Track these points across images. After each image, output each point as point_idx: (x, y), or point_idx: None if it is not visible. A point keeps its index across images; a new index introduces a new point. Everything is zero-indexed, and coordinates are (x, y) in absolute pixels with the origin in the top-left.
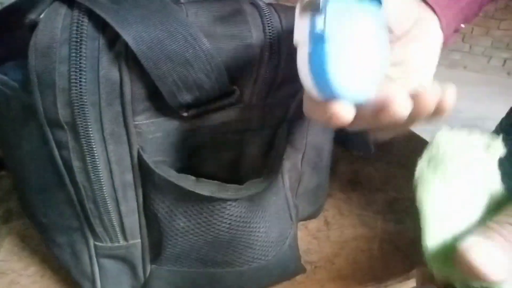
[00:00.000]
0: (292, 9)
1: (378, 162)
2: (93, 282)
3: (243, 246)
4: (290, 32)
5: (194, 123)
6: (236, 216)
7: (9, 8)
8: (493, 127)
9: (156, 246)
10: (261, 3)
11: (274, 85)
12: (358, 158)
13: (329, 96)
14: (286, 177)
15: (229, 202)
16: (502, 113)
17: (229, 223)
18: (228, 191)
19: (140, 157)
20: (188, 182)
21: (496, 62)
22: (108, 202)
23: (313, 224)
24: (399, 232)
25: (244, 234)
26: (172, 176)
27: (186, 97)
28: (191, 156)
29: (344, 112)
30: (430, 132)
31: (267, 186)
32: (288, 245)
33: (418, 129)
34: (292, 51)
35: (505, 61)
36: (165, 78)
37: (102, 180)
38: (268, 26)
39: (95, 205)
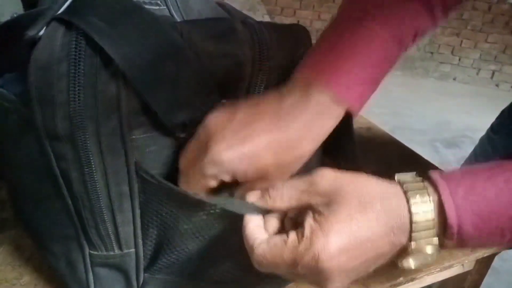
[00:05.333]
0: (282, 26)
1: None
2: None
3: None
4: (280, 47)
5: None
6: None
7: (8, 23)
8: None
9: (151, 255)
10: (252, 22)
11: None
12: (348, 169)
13: None
14: None
15: None
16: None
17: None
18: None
19: (141, 169)
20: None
21: (485, 74)
22: (104, 212)
23: None
24: None
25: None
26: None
27: (179, 117)
28: None
29: None
30: (418, 143)
31: None
32: None
33: (408, 142)
34: (283, 65)
35: (493, 73)
36: (157, 99)
37: (99, 191)
38: (259, 43)
39: (92, 215)
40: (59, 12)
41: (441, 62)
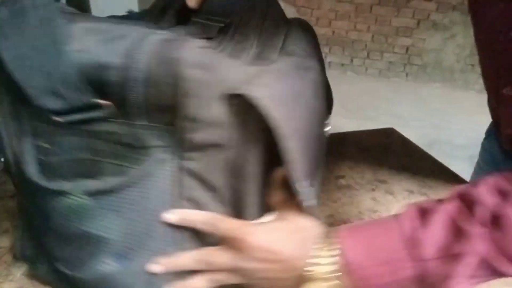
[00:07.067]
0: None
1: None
2: None
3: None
4: (160, 59)
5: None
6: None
7: None
8: None
9: None
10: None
11: (150, 109)
12: None
13: None
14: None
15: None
16: None
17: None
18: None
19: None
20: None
21: None
22: None
23: None
24: None
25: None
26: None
27: (49, 103)
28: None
29: None
30: (458, 159)
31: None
32: None
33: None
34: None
35: None
36: (28, 83)
37: None
38: (135, 51)
39: None
40: None
41: None
